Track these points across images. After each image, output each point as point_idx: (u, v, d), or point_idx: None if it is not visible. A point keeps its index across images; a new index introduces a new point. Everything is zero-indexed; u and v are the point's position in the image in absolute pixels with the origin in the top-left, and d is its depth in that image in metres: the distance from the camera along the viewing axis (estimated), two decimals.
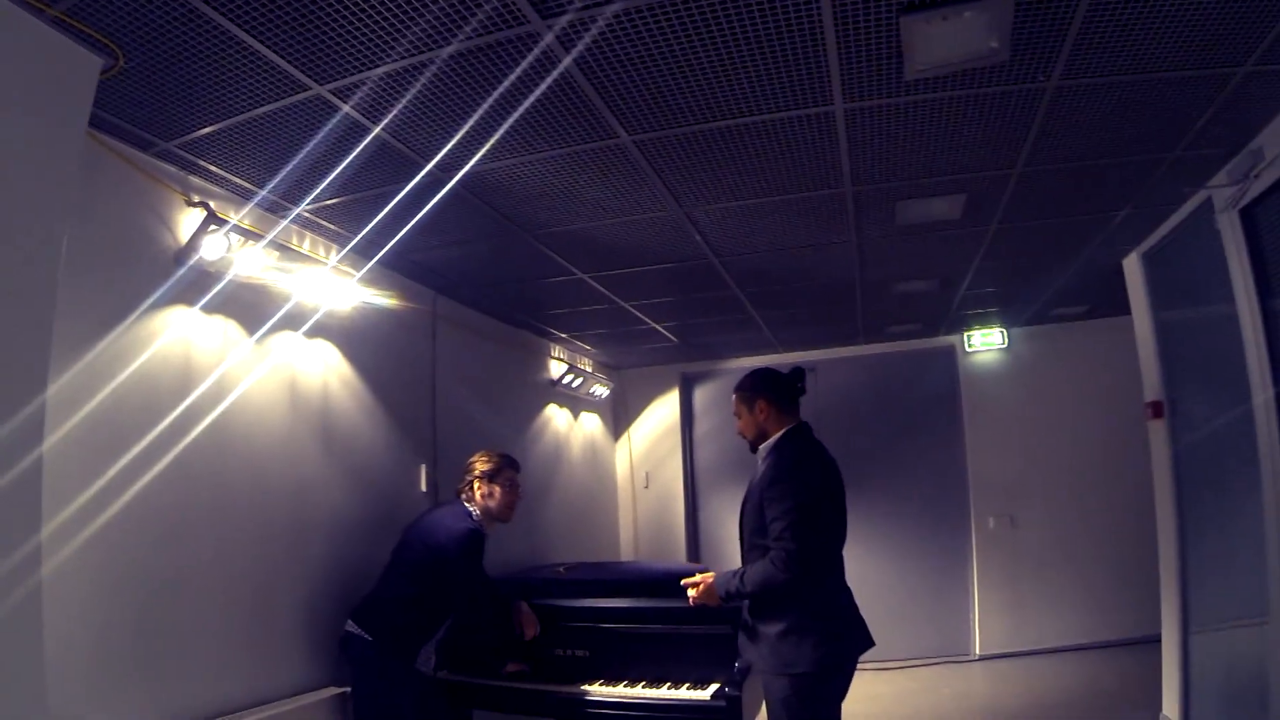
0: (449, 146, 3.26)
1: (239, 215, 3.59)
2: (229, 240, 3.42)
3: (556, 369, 7.10)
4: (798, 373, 3.56)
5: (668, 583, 4.56)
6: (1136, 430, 6.68)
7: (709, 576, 3.49)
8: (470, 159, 3.37)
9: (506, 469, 4.19)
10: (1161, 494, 5.14)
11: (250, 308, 3.74)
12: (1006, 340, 7.88)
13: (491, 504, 4.11)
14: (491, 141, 3.21)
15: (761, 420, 3.46)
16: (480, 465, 4.16)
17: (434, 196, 3.72)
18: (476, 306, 5.79)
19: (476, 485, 4.12)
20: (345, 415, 4.37)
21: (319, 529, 4.08)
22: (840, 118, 3.23)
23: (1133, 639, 7.13)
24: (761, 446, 3.47)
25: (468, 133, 3.15)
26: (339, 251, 4.25)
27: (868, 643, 3.33)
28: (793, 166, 3.66)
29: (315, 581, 4.01)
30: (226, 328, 3.61)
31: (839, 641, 3.23)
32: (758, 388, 3.52)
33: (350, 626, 3.79)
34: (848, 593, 3.36)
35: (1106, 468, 7.42)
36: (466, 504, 4.11)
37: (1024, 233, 4.82)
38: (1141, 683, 5.88)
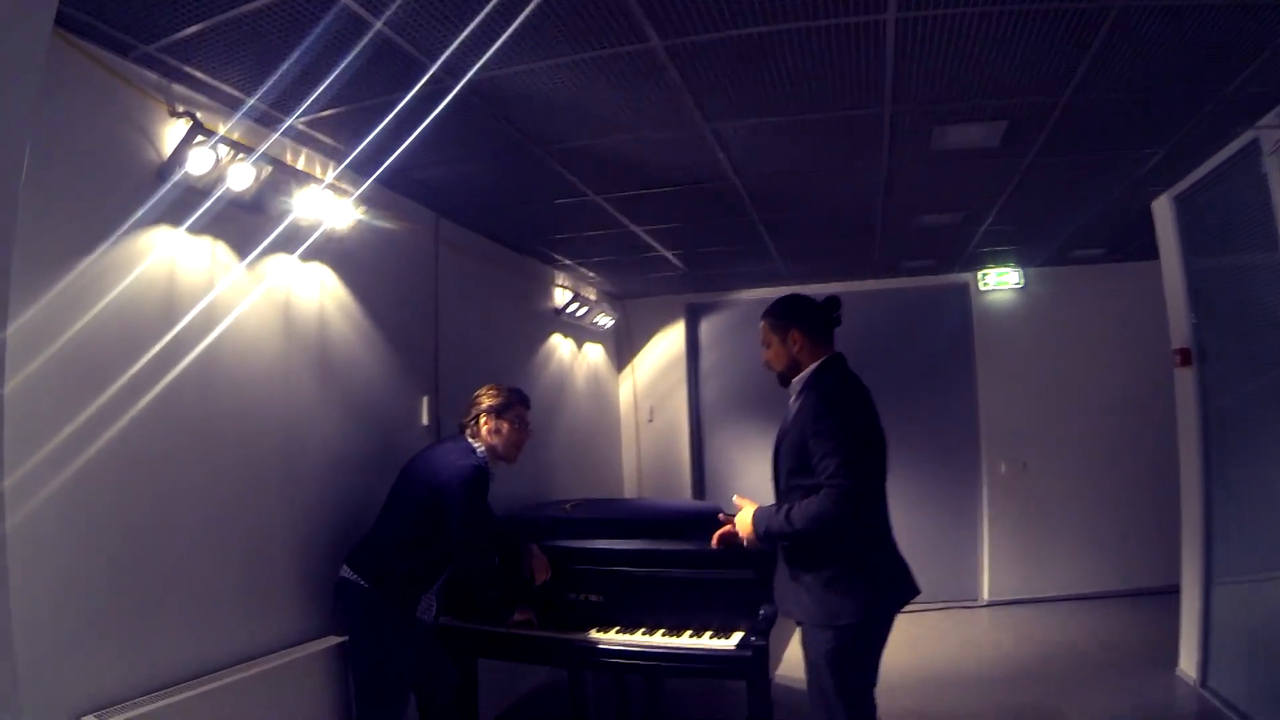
0: (457, 43, 2.91)
1: (227, 126, 3.29)
2: (217, 154, 3.13)
3: (561, 297, 6.82)
4: (833, 302, 3.27)
5: (682, 523, 4.39)
6: (1155, 377, 6.60)
7: (745, 511, 3.20)
8: (480, 58, 3.03)
9: (516, 404, 3.92)
10: (1186, 442, 5.02)
11: (241, 228, 3.46)
12: (1023, 280, 7.65)
13: (497, 441, 3.84)
14: (506, 34, 2.86)
15: (795, 351, 3.20)
16: (487, 399, 3.88)
17: (439, 105, 3.38)
18: (480, 230, 5.49)
19: (482, 420, 3.84)
20: (343, 344, 4.11)
21: (314, 466, 3.83)
22: (891, 27, 2.93)
23: (1145, 589, 7.04)
24: (795, 380, 3.21)
25: (480, 27, 2.81)
26: (336, 168, 3.94)
27: (914, 590, 3.12)
28: (833, 81, 3.36)
29: (310, 523, 3.78)
30: (215, 250, 3.33)
31: (887, 589, 3.04)
32: (792, 315, 3.25)
33: (345, 572, 3.57)
34: (891, 536, 3.14)
35: (1122, 415, 7.27)
36: (471, 440, 3.85)
37: (1058, 167, 4.58)
38: (1155, 635, 5.82)
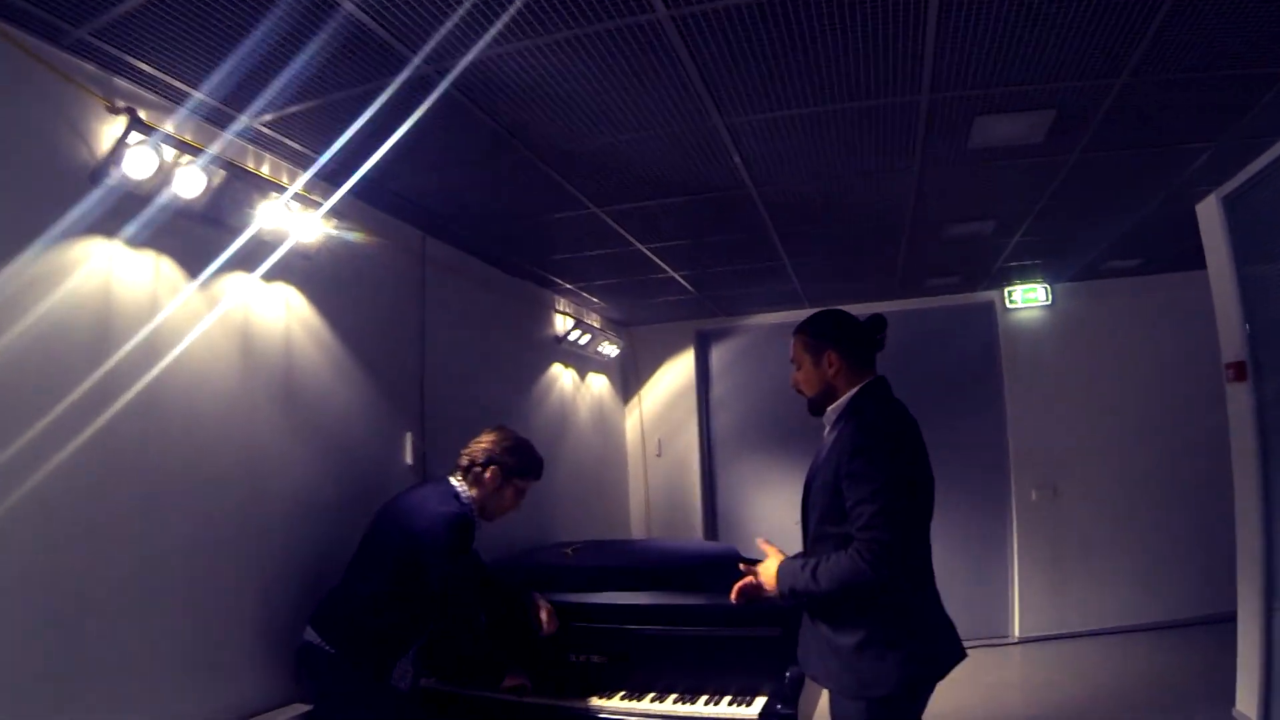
0: (443, 32, 2.54)
1: (171, 123, 2.88)
2: (160, 155, 2.74)
3: (562, 324, 6.38)
4: (879, 321, 2.79)
5: (695, 569, 3.96)
6: (1197, 394, 6.42)
7: (770, 561, 2.70)
8: (466, 42, 2.64)
9: (528, 474, 3.53)
10: (1243, 460, 4.63)
11: (191, 242, 3.05)
12: (1050, 297, 7.23)
13: (490, 500, 3.41)
14: (496, 13, 2.47)
15: (831, 375, 2.72)
16: (500, 448, 3.45)
17: (421, 102, 2.99)
18: (471, 250, 5.06)
19: (489, 471, 3.41)
20: (313, 375, 3.66)
21: (277, 513, 3.37)
22: (933, 1, 2.53)
23: (1193, 620, 6.64)
24: (830, 409, 2.74)
25: (464, 6, 2.42)
26: (303, 175, 3.52)
27: (959, 654, 2.63)
28: (865, 63, 2.94)
29: (272, 577, 3.32)
30: (160, 265, 2.92)
31: (929, 656, 2.54)
32: (828, 334, 2.76)
33: (309, 635, 3.10)
34: (935, 591, 2.67)
35: (1162, 435, 6.85)
36: (459, 483, 3.40)
37: (1102, 166, 4.20)
38: (1207, 670, 5.45)
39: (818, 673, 2.65)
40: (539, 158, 3.65)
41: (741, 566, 2.82)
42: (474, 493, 3.37)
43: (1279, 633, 4.33)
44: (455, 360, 4.81)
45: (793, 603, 2.62)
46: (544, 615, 3.54)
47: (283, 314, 3.51)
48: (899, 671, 2.46)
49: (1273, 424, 4.42)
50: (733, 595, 2.78)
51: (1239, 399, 4.65)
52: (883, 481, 2.42)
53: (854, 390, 2.71)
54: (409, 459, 4.23)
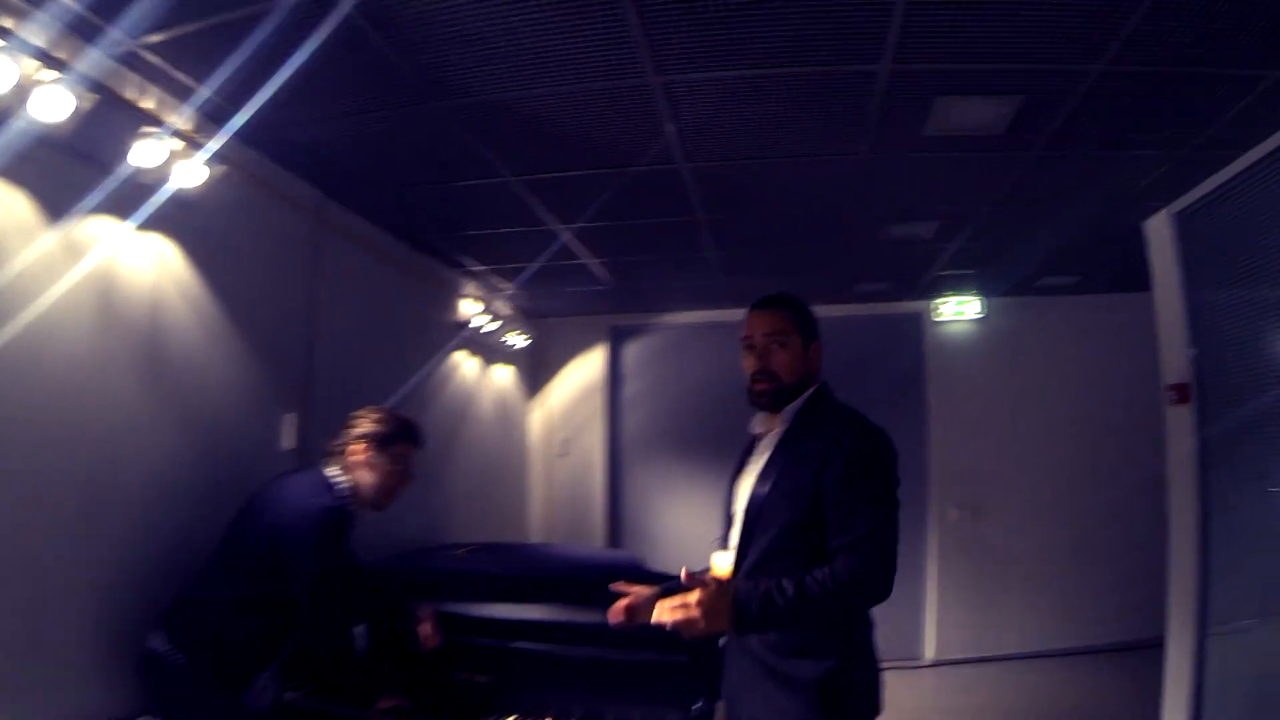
0: None
1: (22, 27, 2.43)
2: (17, 65, 2.31)
3: (469, 309, 5.97)
4: None
5: (595, 580, 3.61)
6: (1124, 419, 6.39)
7: (702, 591, 2.17)
8: None
9: (402, 440, 3.11)
10: (1180, 483, 4.54)
11: (52, 176, 2.61)
12: (984, 310, 7.09)
13: (368, 479, 3.02)
14: None
15: (811, 368, 2.49)
16: (368, 424, 3.06)
17: (319, 26, 2.59)
18: (375, 219, 4.63)
19: (356, 449, 3.02)
20: (183, 341, 3.21)
21: (130, 499, 2.92)
22: None
23: (1115, 645, 6.57)
24: (789, 407, 2.43)
25: None
26: (188, 111, 3.08)
27: None
28: (829, 18, 2.66)
29: (120, 573, 2.87)
30: (12, 204, 2.48)
31: (881, 685, 2.34)
32: (814, 325, 2.55)
33: (156, 641, 2.68)
34: None
35: (1089, 458, 6.78)
36: (333, 473, 3.01)
37: (1061, 168, 4.02)
38: (1131, 695, 5.31)
39: (758, 713, 2.30)
40: (453, 111, 3.28)
41: (618, 587, 2.47)
42: (350, 479, 2.99)
43: (1211, 659, 4.24)
44: (349, 338, 4.39)
45: (756, 628, 2.22)
46: (426, 628, 3.17)
47: (154, 269, 3.07)
48: (867, 704, 2.27)
49: (1214, 448, 4.34)
50: (616, 616, 2.43)
51: (1180, 422, 4.55)
52: (883, 493, 2.25)
53: (814, 389, 2.47)
54: (288, 442, 3.80)
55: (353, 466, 3.01)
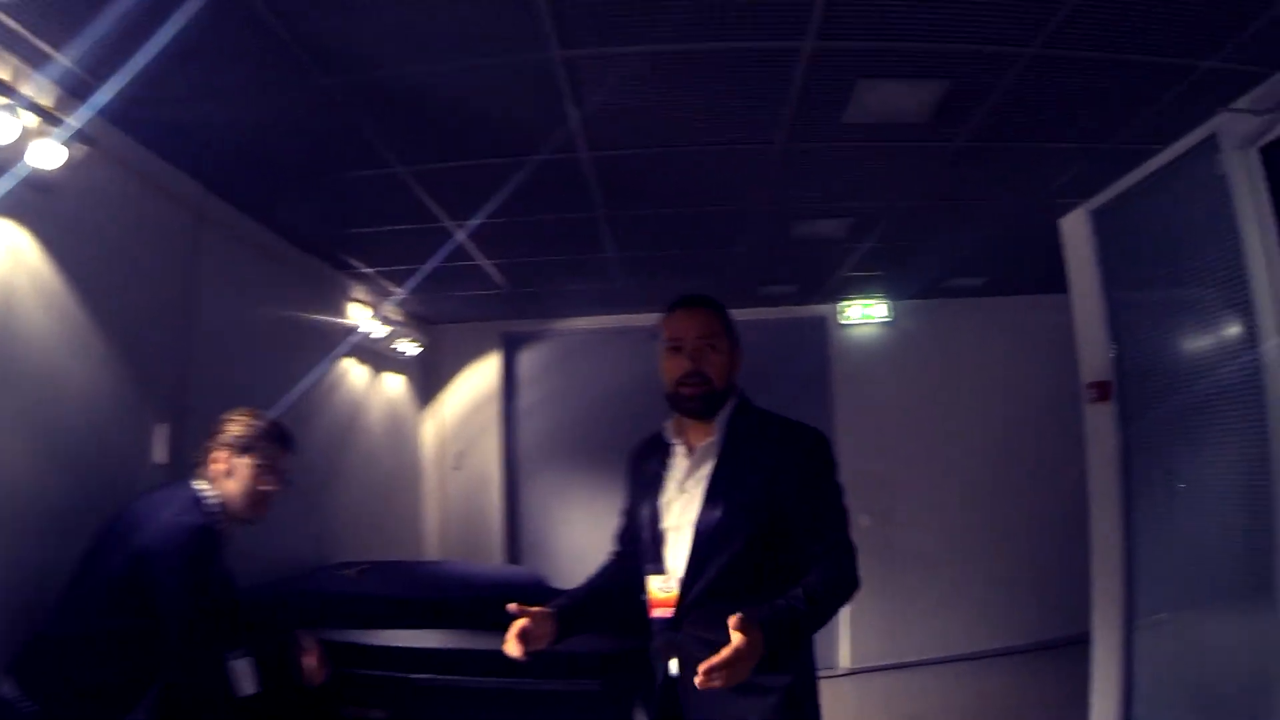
0: None
1: None
2: None
3: (358, 313, 5.62)
4: None
5: (496, 602, 3.37)
6: (1036, 420, 6.50)
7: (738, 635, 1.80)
8: None
9: (265, 441, 2.80)
10: (1102, 479, 4.56)
11: None
12: (891, 313, 7.05)
13: (234, 489, 2.71)
14: None
15: (735, 373, 2.38)
16: (229, 428, 2.77)
17: None
18: (259, 215, 4.27)
19: (219, 458, 2.72)
20: (39, 342, 2.83)
21: None
22: None
23: (1034, 645, 6.64)
24: (722, 415, 2.30)
25: None
26: (43, 81, 2.72)
27: None
28: None
29: None
30: None
31: None
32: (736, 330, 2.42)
33: (4, 689, 2.34)
34: None
35: (1000, 459, 6.81)
36: (200, 487, 2.69)
37: (984, 159, 3.91)
38: (1054, 695, 5.41)
39: None
40: (340, 89, 2.99)
41: (512, 608, 2.17)
42: (218, 492, 2.68)
43: (1140, 652, 4.24)
44: (231, 343, 4.03)
45: (787, 647, 1.97)
46: (311, 660, 2.85)
47: (3, 261, 2.69)
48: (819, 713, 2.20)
49: (1135, 445, 4.35)
50: (512, 649, 2.16)
51: (1100, 419, 4.55)
52: (841, 493, 2.27)
53: (738, 399, 2.36)
54: (160, 456, 3.42)
55: (217, 477, 2.71)
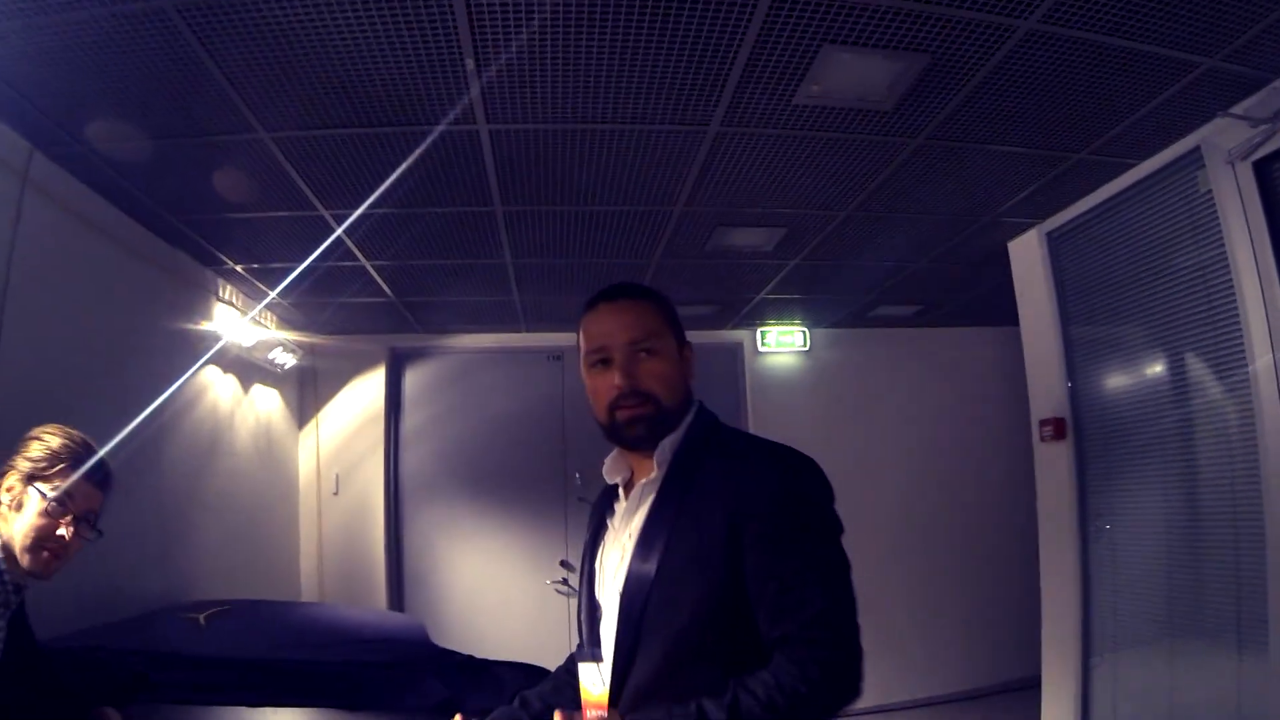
0: None
1: None
2: None
3: (225, 317, 4.91)
4: None
5: (373, 670, 2.81)
6: (972, 455, 6.44)
7: None
8: None
9: (57, 462, 2.04)
10: (1054, 522, 4.39)
11: None
12: (808, 342, 6.66)
13: (17, 534, 1.97)
14: None
15: (688, 381, 1.79)
16: (32, 446, 2.03)
17: None
18: (103, 188, 3.57)
19: (9, 485, 2.01)
20: None
21: None
22: None
23: (970, 692, 6.43)
24: (666, 442, 1.68)
25: None
26: None
27: None
28: None
29: None
30: None
31: None
32: (679, 324, 1.82)
33: None
34: None
35: (933, 498, 6.59)
36: None
37: (942, 162, 3.57)
38: None
39: None
40: (193, 28, 2.40)
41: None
42: (4, 536, 1.99)
43: (1096, 693, 4.09)
44: (57, 340, 3.33)
45: None
46: None
47: None
48: None
49: (1090, 482, 4.17)
50: None
51: (1053, 458, 4.31)
52: (831, 549, 1.58)
53: (692, 413, 1.76)
54: None
55: (8, 512, 2.00)
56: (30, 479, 1.99)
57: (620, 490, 1.79)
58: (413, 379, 6.76)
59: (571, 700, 1.60)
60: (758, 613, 1.51)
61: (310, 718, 2.42)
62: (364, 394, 6.57)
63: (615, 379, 1.66)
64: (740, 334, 6.68)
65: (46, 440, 2.03)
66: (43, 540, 1.99)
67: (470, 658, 3.27)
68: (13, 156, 3.01)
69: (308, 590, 6.27)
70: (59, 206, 3.30)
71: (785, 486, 1.59)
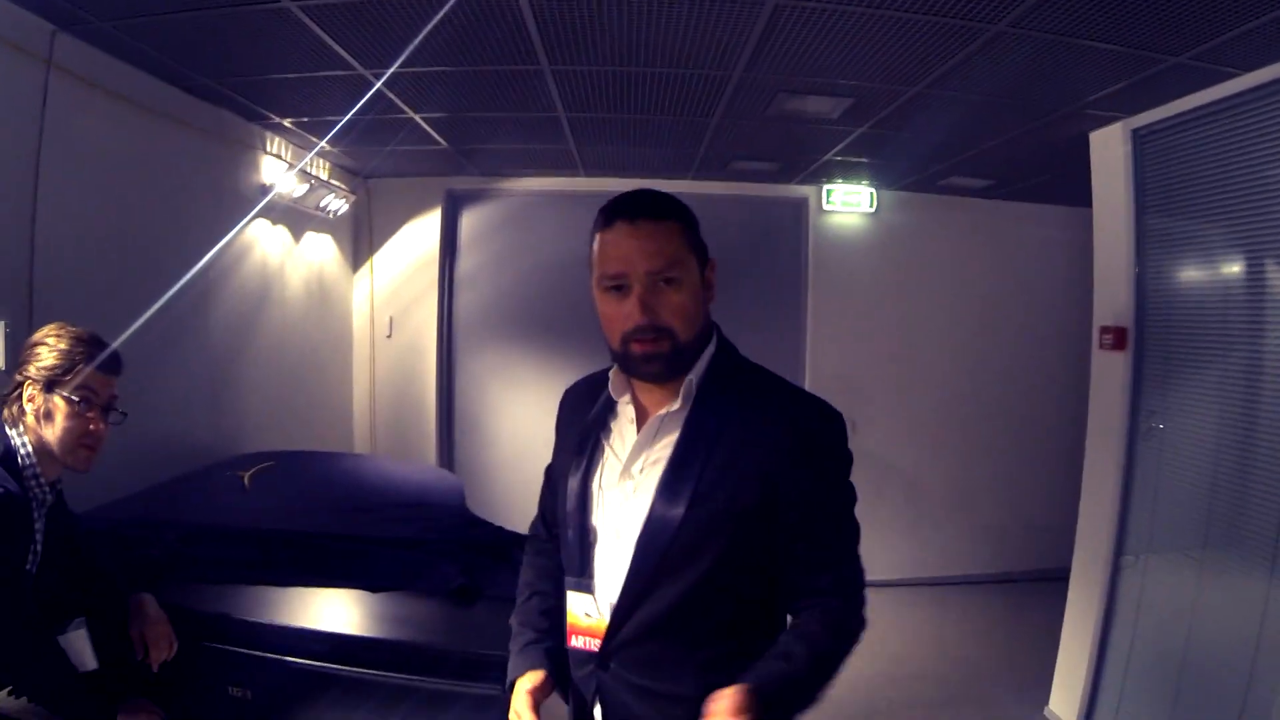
0: None
1: None
2: None
3: (272, 169, 4.92)
4: None
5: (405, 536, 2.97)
6: (1029, 341, 6.35)
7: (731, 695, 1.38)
8: None
9: (79, 365, 2.14)
10: (1102, 436, 4.29)
11: None
12: (875, 204, 6.40)
13: (48, 434, 2.11)
14: None
15: (709, 302, 1.68)
16: (42, 353, 2.13)
17: None
18: (133, 59, 3.55)
19: (25, 394, 2.12)
20: None
21: None
22: None
23: (998, 576, 6.54)
24: (690, 377, 1.63)
25: None
26: None
27: None
28: None
29: None
30: None
31: None
32: (699, 233, 1.69)
33: None
34: None
35: (982, 379, 6.51)
36: (13, 434, 2.11)
37: (1033, 50, 3.26)
38: (1016, 627, 5.42)
39: None
40: None
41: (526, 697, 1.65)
42: (32, 438, 2.12)
43: (1122, 593, 4.10)
44: (94, 216, 3.42)
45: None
46: (150, 637, 2.32)
47: None
48: None
49: (1146, 389, 4.06)
50: None
51: (1109, 367, 4.19)
52: (850, 499, 1.65)
53: (713, 345, 1.69)
54: None
55: (29, 419, 2.12)
56: (50, 386, 2.11)
57: (621, 408, 1.73)
58: (469, 221, 6.76)
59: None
60: (786, 567, 1.59)
61: (333, 597, 2.57)
62: (419, 237, 6.59)
63: (633, 311, 1.56)
64: (805, 189, 6.44)
65: (53, 344, 2.13)
66: (80, 440, 2.14)
67: (499, 532, 3.33)
68: (32, 40, 3.02)
69: (360, 439, 6.51)
70: (89, 85, 3.32)
71: (821, 443, 1.61)
